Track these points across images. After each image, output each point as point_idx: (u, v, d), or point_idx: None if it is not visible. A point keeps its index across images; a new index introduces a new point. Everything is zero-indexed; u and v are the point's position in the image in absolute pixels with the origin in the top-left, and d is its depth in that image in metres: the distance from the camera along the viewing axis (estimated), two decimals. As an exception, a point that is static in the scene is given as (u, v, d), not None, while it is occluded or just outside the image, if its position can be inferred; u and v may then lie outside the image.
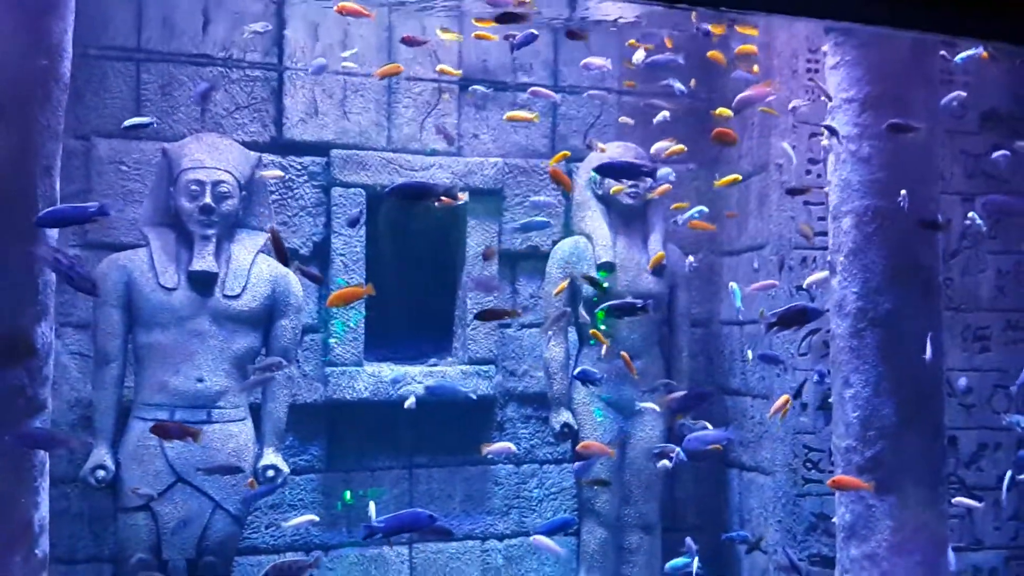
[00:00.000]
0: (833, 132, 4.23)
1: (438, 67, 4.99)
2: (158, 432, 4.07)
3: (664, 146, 5.14)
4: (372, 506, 4.77)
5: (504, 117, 5.40)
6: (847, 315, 4.30)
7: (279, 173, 5.34)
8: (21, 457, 3.37)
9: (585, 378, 4.69)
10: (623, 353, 5.08)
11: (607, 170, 4.41)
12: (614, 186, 5.50)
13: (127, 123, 4.71)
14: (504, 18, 3.96)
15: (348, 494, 5.61)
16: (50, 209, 3.35)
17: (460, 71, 5.54)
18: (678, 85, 5.14)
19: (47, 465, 3.50)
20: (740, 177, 5.06)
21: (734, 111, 4.58)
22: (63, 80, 3.48)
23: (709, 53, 5.05)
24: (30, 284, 3.39)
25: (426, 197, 3.94)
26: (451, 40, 5.31)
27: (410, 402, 4.93)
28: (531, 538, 4.58)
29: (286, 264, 4.57)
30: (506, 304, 5.94)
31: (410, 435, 5.67)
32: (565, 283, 5.32)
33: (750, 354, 5.38)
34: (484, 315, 4.62)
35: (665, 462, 5.04)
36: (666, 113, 5.09)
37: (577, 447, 4.75)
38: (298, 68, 5.61)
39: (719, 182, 5.05)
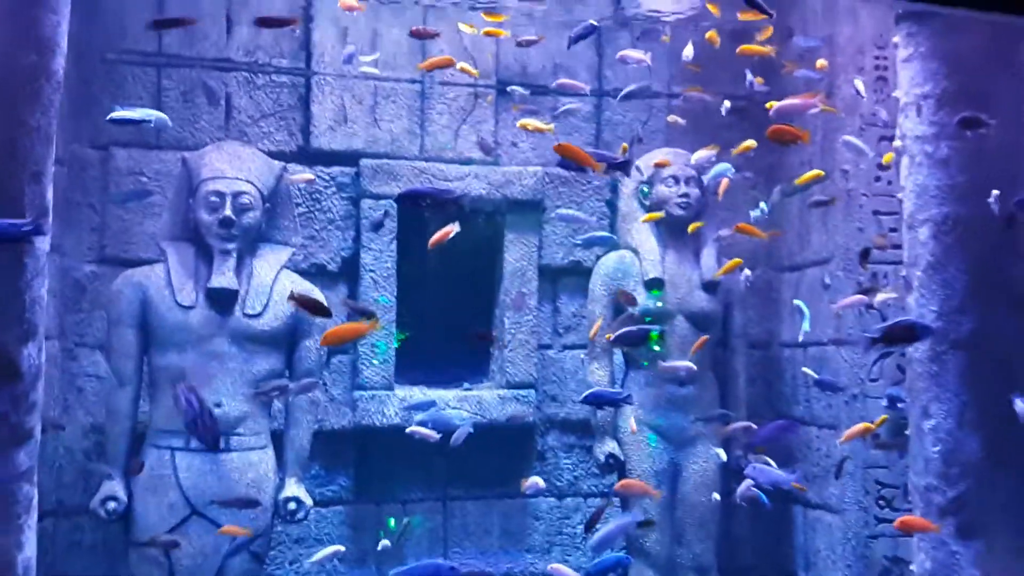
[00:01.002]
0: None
1: (459, 66, 4.63)
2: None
3: (705, 155, 4.73)
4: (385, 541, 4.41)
5: (518, 125, 5.00)
6: (926, 337, 3.83)
7: (309, 176, 5.02)
8: (4, 492, 3.06)
9: (596, 401, 4.18)
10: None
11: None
12: (663, 195, 5.09)
13: (112, 116, 4.14)
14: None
15: (392, 521, 5.26)
16: None
17: (494, 75, 5.19)
18: (756, 79, 4.72)
19: (34, 500, 3.19)
20: (823, 173, 4.57)
21: (776, 121, 4.14)
22: (55, 78, 3.19)
23: (740, 49, 4.59)
24: (15, 300, 3.08)
25: (435, 204, 3.58)
26: (485, 39, 4.94)
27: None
28: (550, 567, 4.18)
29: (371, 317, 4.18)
30: (547, 324, 5.55)
31: (444, 464, 5.30)
32: (598, 324, 4.89)
33: (808, 371, 4.90)
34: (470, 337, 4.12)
35: (715, 495, 4.60)
36: (728, 104, 4.64)
37: (616, 486, 4.31)
38: (327, 73, 5.31)
39: (801, 179, 4.58)
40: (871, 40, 4.82)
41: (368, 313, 4.26)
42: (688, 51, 4.59)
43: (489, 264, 5.61)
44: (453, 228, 3.99)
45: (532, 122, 4.58)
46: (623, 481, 4.28)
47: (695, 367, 4.84)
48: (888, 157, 4.60)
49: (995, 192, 3.60)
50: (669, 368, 4.78)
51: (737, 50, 4.62)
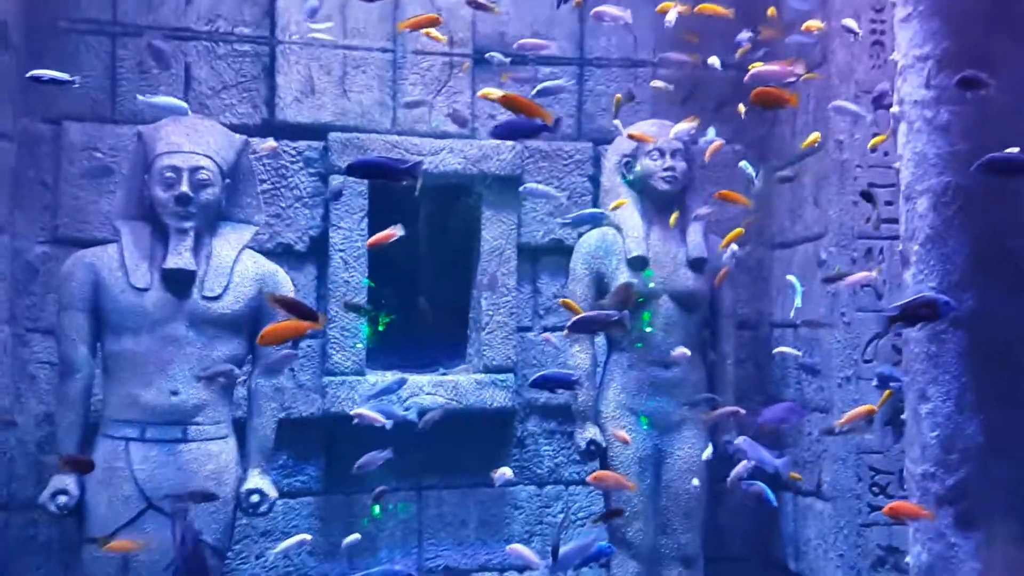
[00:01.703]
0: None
1: (427, 32, 4.35)
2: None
3: (686, 127, 4.46)
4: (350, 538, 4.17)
5: (479, 95, 4.70)
6: (923, 315, 3.58)
7: (272, 144, 4.74)
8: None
9: (545, 384, 3.87)
10: None
11: (357, 171, 3.47)
12: (647, 169, 4.84)
13: (31, 73, 3.85)
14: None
15: (377, 508, 5.03)
16: None
17: (471, 43, 4.92)
18: (714, 61, 4.46)
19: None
20: (819, 136, 4.28)
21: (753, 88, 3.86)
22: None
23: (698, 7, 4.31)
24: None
25: (388, 177, 3.31)
26: (461, 6, 4.66)
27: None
28: (508, 547, 3.93)
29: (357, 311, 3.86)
30: (527, 305, 5.30)
31: (419, 453, 5.05)
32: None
33: (785, 350, 4.62)
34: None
35: (695, 481, 4.37)
36: (717, 61, 4.35)
37: (589, 478, 4.07)
38: (292, 41, 5.04)
39: (807, 142, 4.30)
40: (868, 3, 4.55)
41: (362, 309, 3.98)
42: (671, 16, 4.30)
43: (466, 243, 5.36)
44: (396, 231, 3.73)
45: (494, 92, 4.27)
46: (596, 473, 4.03)
47: (688, 352, 4.59)
48: (878, 140, 4.36)
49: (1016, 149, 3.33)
50: (676, 356, 4.54)
51: (695, 8, 4.35)
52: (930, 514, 3.43)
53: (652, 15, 5.00)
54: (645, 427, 4.79)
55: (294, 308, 3.25)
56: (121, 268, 4.25)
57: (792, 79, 3.89)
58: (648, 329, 4.74)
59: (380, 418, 4.21)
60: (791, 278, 4.14)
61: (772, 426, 4.03)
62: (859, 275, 4.17)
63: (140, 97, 3.91)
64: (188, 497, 4.04)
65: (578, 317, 3.78)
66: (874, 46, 4.55)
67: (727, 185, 5.45)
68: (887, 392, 3.92)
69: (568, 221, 4.90)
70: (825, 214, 4.73)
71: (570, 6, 5.12)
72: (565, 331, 4.14)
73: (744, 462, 3.93)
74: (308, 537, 4.43)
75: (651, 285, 4.77)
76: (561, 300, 4.76)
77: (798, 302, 4.07)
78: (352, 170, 3.21)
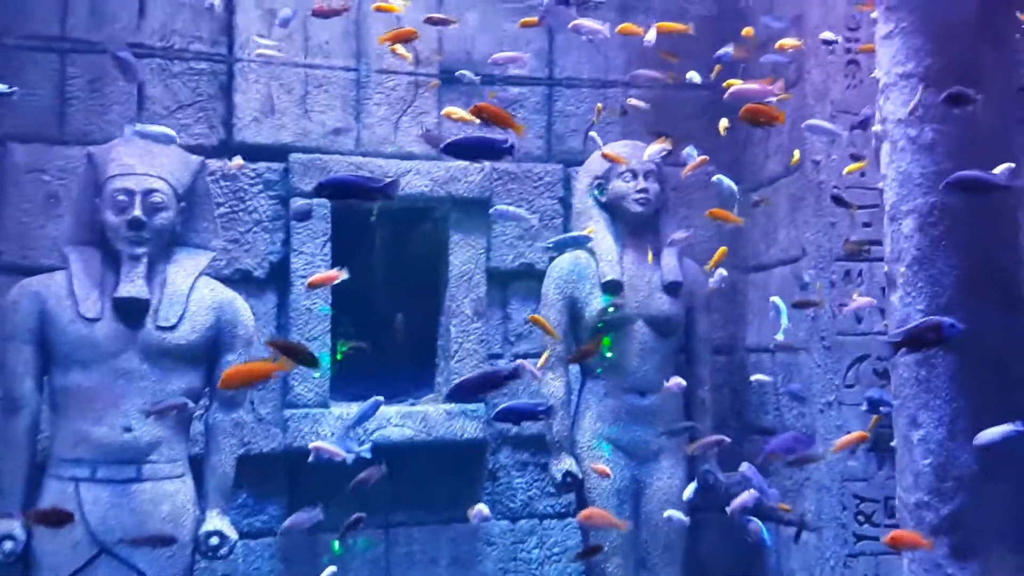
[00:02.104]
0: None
1: (392, 47, 4.16)
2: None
3: (656, 149, 4.34)
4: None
5: (443, 113, 4.53)
6: (912, 339, 3.48)
7: (239, 163, 4.53)
8: None
9: (509, 416, 3.52)
10: None
11: (326, 189, 3.26)
12: (620, 191, 4.71)
13: (135, 129, 3.92)
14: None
15: (337, 544, 4.79)
16: None
17: (437, 62, 4.75)
18: (692, 76, 4.35)
19: None
20: (798, 155, 4.14)
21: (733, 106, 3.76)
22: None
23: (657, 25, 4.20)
24: None
25: (362, 196, 3.13)
26: (427, 24, 4.50)
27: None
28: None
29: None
30: (497, 332, 5.12)
31: (386, 488, 4.82)
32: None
33: (760, 378, 4.47)
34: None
35: (679, 515, 4.22)
36: (696, 76, 4.23)
37: (579, 517, 3.88)
38: (251, 60, 4.84)
39: (793, 160, 4.19)
40: (842, 21, 4.49)
41: (296, 352, 3.50)
42: (651, 35, 4.17)
43: (433, 268, 5.18)
44: (341, 274, 3.52)
45: (458, 111, 4.11)
46: (586, 511, 3.84)
47: (683, 382, 4.43)
48: (858, 166, 4.28)
49: (1008, 166, 3.25)
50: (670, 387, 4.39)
51: (656, 26, 4.24)
52: (929, 543, 3.31)
53: (622, 35, 4.92)
54: (621, 458, 4.62)
55: (292, 352, 3.03)
56: (70, 297, 4.04)
57: (771, 98, 3.80)
58: (610, 355, 4.59)
59: (340, 452, 4.00)
60: (776, 299, 4.01)
61: (780, 455, 3.89)
62: (863, 300, 4.06)
63: (130, 128, 3.68)
64: (146, 542, 3.79)
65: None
66: (849, 65, 4.49)
67: (701, 206, 5.36)
68: (875, 417, 3.80)
69: (550, 245, 4.70)
70: (801, 236, 4.63)
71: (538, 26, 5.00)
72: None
73: (748, 492, 3.78)
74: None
75: (614, 310, 4.63)
76: (531, 316, 4.58)
77: (784, 322, 3.92)
78: (322, 189, 3.01)
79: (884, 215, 3.65)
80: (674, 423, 4.66)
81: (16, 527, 3.89)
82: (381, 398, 4.18)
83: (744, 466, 3.78)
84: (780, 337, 4.08)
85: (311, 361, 3.09)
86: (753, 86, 3.81)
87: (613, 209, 4.79)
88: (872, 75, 3.74)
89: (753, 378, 4.51)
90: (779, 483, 4.78)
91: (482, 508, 3.91)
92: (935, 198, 3.51)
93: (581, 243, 4.62)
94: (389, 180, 3.04)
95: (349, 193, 3.18)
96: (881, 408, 3.85)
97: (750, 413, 5.17)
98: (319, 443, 4.06)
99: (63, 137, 4.64)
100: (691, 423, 4.66)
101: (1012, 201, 3.53)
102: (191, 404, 4.01)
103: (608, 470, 4.46)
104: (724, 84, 3.85)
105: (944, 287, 3.50)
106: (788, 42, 4.24)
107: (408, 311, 5.14)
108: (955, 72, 3.49)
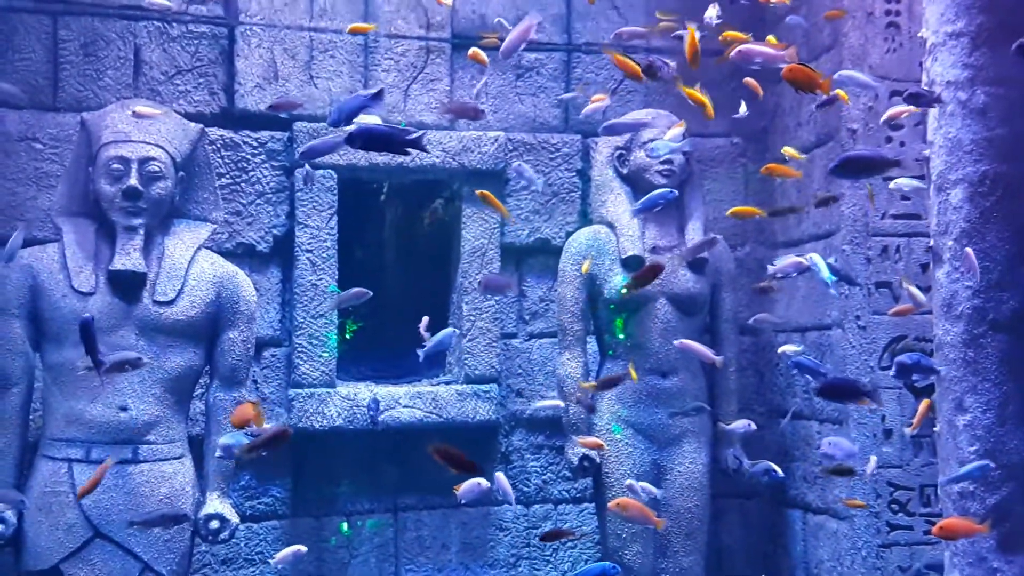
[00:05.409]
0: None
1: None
2: None
3: (676, 133, 4.03)
4: None
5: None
6: (959, 317, 3.30)
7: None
8: None
9: (362, 139, 2.81)
10: None
11: (359, 139, 2.86)
12: (642, 163, 4.47)
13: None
14: None
15: (345, 526, 4.61)
16: None
17: (449, 27, 4.50)
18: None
19: None
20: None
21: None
22: None
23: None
24: None
25: (392, 148, 2.92)
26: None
27: None
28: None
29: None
30: (511, 310, 4.90)
31: (395, 470, 4.67)
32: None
33: (787, 349, 4.18)
34: None
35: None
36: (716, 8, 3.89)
37: (610, 505, 3.66)
38: (253, 23, 4.61)
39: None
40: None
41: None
42: (711, 11, 3.81)
43: (445, 243, 4.96)
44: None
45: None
46: (622, 501, 3.59)
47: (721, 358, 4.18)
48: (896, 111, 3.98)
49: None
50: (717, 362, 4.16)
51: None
52: (984, 527, 3.09)
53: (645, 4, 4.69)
54: (641, 441, 4.40)
55: (453, 461, 3.05)
56: (63, 270, 3.88)
57: (782, 64, 3.51)
58: (622, 336, 4.35)
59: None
60: (814, 255, 3.66)
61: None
62: (905, 307, 3.81)
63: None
64: (153, 523, 3.62)
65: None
66: (889, 28, 4.23)
67: (725, 183, 5.13)
68: (925, 401, 3.55)
69: (639, 208, 4.31)
70: (836, 209, 4.38)
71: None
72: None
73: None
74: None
75: (647, 287, 4.38)
76: (479, 192, 4.01)
77: (829, 275, 3.54)
78: (353, 139, 2.79)
79: (930, 185, 3.42)
80: (697, 405, 4.44)
81: (6, 509, 3.73)
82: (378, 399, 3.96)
83: (825, 445, 3.64)
84: (831, 290, 3.76)
85: (471, 468, 3.10)
86: (764, 48, 3.53)
87: (635, 182, 4.55)
88: (919, 34, 3.49)
89: (780, 349, 4.24)
90: (806, 469, 4.57)
91: (481, 481, 3.42)
92: (987, 166, 3.28)
93: (669, 199, 4.13)
94: (418, 133, 2.83)
95: (379, 144, 2.95)
96: (915, 377, 3.60)
97: (776, 396, 4.94)
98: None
99: (56, 103, 4.43)
100: (701, 404, 4.41)
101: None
102: (189, 514, 3.84)
103: (603, 443, 4.25)
104: (724, 36, 3.56)
105: (995, 262, 3.28)
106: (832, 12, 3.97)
107: (418, 287, 4.93)
108: (1009, 29, 3.26)
